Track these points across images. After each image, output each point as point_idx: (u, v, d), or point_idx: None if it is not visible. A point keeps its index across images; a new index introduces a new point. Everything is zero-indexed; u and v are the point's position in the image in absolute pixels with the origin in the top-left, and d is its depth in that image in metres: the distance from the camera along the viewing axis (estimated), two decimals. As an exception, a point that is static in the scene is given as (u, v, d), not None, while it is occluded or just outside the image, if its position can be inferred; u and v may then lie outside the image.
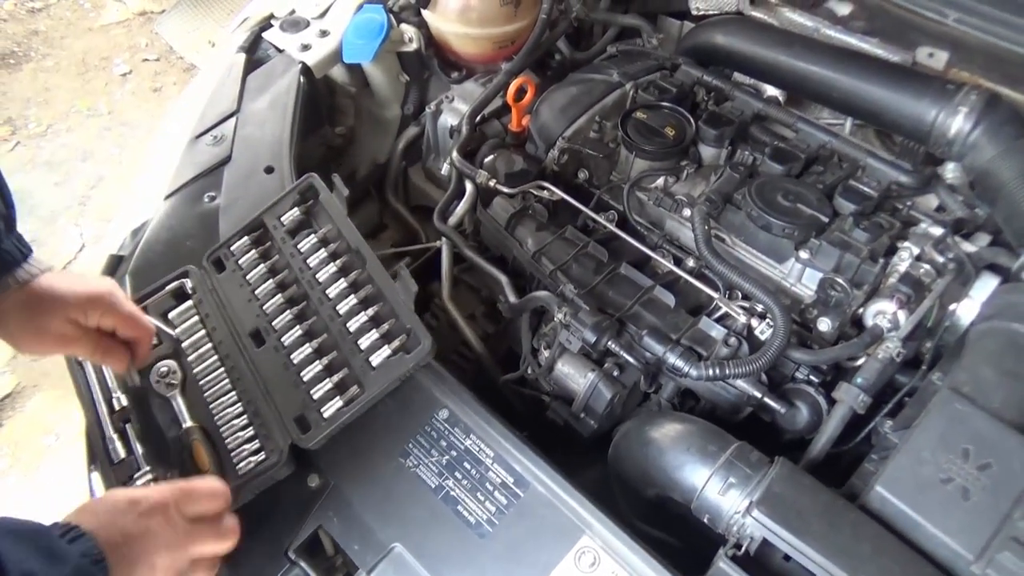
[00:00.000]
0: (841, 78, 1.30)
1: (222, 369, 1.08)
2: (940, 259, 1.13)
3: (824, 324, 1.12)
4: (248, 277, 1.16)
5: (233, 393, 1.06)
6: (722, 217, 1.25)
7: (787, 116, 1.36)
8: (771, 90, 1.48)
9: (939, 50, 1.35)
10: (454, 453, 0.99)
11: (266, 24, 1.61)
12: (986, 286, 1.11)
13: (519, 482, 0.96)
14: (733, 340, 1.08)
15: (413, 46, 1.60)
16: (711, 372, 1.02)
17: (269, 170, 1.33)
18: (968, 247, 1.16)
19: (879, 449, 0.99)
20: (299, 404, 1.02)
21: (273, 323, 1.10)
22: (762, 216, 1.17)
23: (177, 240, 1.29)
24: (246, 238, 1.20)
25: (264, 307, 1.12)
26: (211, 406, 1.05)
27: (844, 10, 1.45)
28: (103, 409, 1.06)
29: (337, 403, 1.01)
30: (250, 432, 1.02)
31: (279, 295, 1.13)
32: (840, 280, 1.11)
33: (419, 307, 1.09)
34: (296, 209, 1.19)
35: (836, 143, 1.32)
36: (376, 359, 1.03)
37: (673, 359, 1.05)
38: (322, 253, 1.15)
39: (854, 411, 1.01)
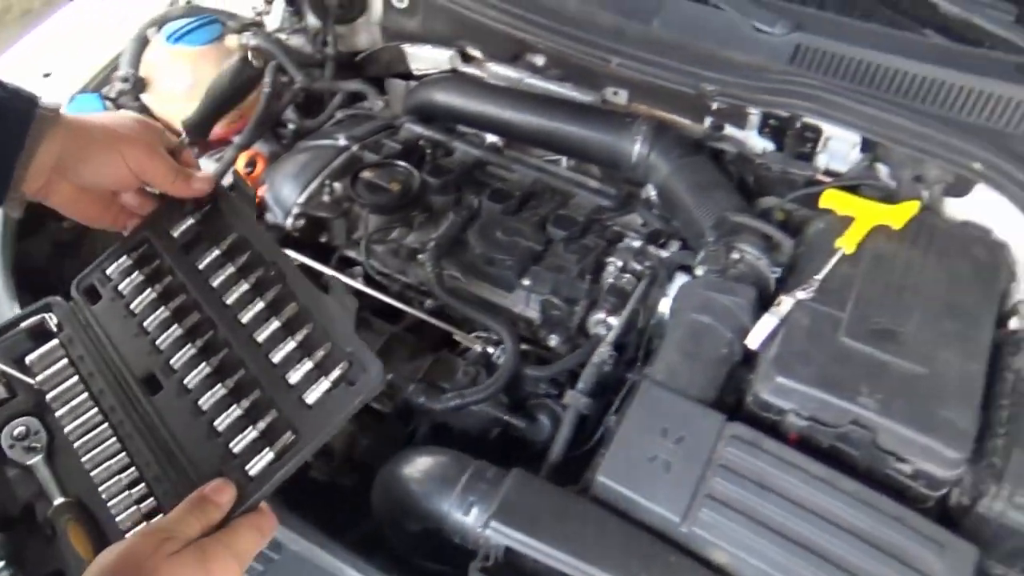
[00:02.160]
0: (544, 122, 1.46)
1: (105, 425, 0.88)
2: (639, 267, 1.30)
3: (553, 340, 1.24)
4: (132, 306, 0.93)
5: (123, 455, 0.86)
6: (456, 258, 1.35)
7: (502, 159, 1.50)
8: (492, 136, 1.62)
9: (621, 89, 1.55)
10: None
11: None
12: (680, 285, 1.28)
13: (273, 546, 0.96)
14: (471, 369, 1.17)
15: (135, 131, 1.56)
16: (451, 403, 1.09)
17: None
18: (663, 253, 1.34)
19: (607, 443, 1.10)
20: (215, 461, 0.81)
21: (171, 362, 0.88)
22: (484, 254, 1.28)
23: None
24: (125, 258, 0.96)
25: (157, 342, 0.90)
26: (92, 474, 0.85)
27: (540, 61, 1.62)
28: None
29: (267, 456, 0.80)
30: (151, 504, 0.83)
31: (175, 326, 0.90)
32: (556, 300, 1.24)
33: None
34: (190, 218, 0.96)
35: (546, 178, 1.47)
36: (311, 396, 0.82)
37: (416, 397, 1.12)
38: (228, 268, 0.92)
39: (581, 414, 1.13)
